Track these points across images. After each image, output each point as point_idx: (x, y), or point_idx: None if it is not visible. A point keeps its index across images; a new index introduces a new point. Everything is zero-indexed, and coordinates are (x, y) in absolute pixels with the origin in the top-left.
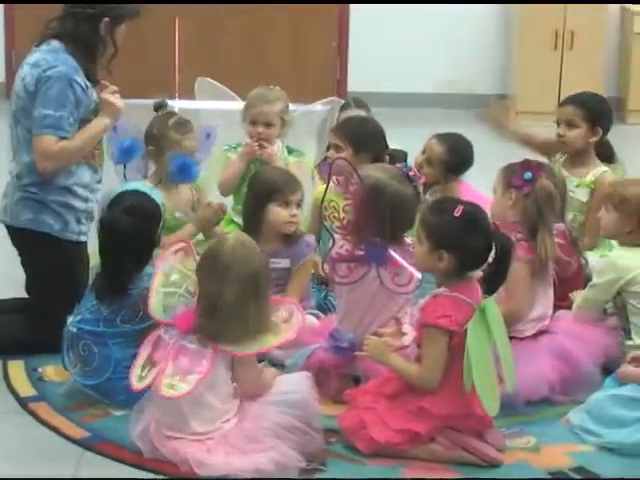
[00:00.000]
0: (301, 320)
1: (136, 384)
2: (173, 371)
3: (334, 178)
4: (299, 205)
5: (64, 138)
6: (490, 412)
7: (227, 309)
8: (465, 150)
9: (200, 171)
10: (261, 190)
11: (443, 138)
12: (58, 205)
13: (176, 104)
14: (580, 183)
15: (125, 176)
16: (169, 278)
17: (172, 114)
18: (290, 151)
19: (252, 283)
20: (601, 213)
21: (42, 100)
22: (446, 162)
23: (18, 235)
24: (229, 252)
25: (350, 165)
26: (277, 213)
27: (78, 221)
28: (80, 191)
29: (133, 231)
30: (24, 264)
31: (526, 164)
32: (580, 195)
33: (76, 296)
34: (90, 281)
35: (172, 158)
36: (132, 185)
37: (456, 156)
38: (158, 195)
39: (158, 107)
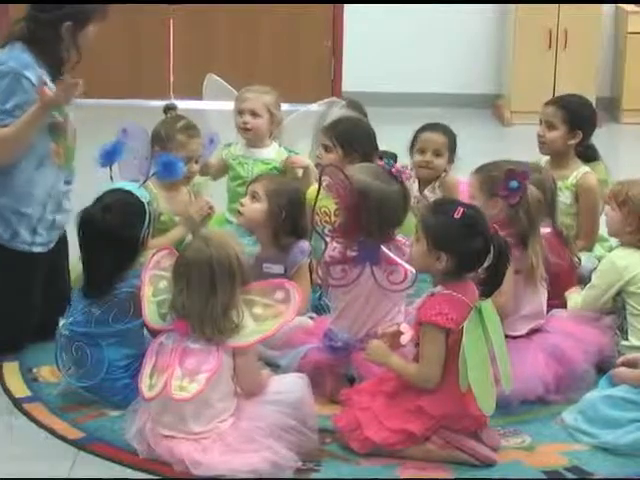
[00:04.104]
0: (298, 299)
1: (147, 393)
2: (181, 373)
3: (325, 184)
4: None
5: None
6: (486, 411)
7: (193, 306)
8: (452, 132)
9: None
10: None
11: (431, 127)
12: (9, 212)
13: None
14: (562, 186)
15: (112, 178)
16: (157, 286)
17: (180, 117)
18: (289, 152)
19: (209, 273)
20: (607, 210)
21: None
22: (449, 144)
23: None
24: (187, 249)
25: (341, 171)
26: None
27: (33, 231)
28: (40, 197)
29: (109, 228)
30: None
31: (511, 173)
32: (563, 198)
33: (29, 307)
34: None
35: (157, 157)
36: (119, 184)
37: (452, 136)
38: (145, 194)
39: (168, 109)
